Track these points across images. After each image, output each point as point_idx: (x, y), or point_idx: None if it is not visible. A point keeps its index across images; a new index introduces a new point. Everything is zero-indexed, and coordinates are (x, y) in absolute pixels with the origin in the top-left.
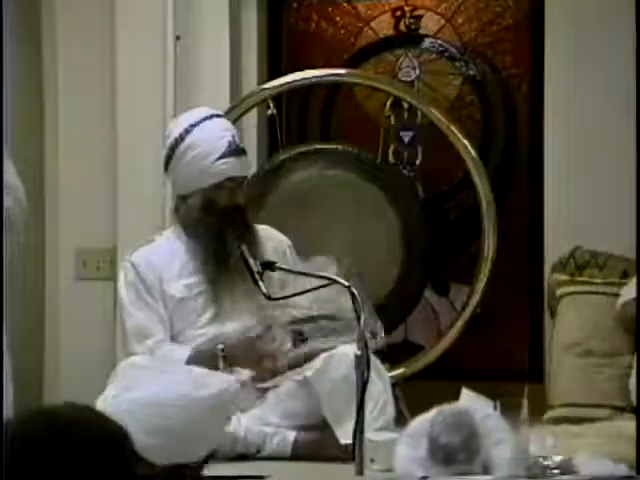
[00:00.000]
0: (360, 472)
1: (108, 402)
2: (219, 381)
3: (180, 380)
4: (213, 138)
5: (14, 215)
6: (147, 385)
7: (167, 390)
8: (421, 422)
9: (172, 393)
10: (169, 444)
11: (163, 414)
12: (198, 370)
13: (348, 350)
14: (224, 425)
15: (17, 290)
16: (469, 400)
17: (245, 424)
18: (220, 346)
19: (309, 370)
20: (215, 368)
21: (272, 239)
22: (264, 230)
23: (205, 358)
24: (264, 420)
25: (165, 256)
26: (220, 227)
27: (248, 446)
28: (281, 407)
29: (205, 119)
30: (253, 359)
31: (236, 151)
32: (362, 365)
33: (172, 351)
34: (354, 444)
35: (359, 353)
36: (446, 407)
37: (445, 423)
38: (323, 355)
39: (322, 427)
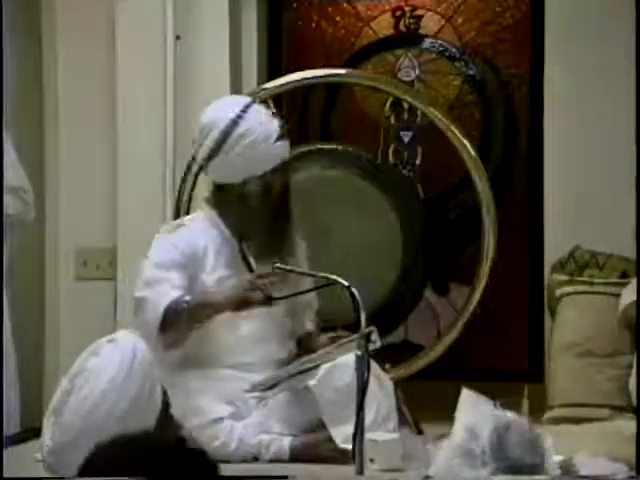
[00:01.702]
0: (360, 472)
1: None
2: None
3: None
4: (267, 122)
5: (23, 217)
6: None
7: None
8: (482, 421)
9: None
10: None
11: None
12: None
13: (351, 360)
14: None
15: (17, 290)
16: (471, 399)
17: (239, 435)
18: (187, 298)
19: (312, 379)
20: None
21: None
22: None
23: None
24: (263, 426)
25: (201, 245)
26: (277, 212)
27: (244, 455)
28: (281, 414)
29: (251, 104)
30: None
31: (285, 135)
32: (362, 365)
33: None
34: (354, 444)
35: (359, 353)
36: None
37: (523, 439)
38: (326, 365)
39: (318, 430)
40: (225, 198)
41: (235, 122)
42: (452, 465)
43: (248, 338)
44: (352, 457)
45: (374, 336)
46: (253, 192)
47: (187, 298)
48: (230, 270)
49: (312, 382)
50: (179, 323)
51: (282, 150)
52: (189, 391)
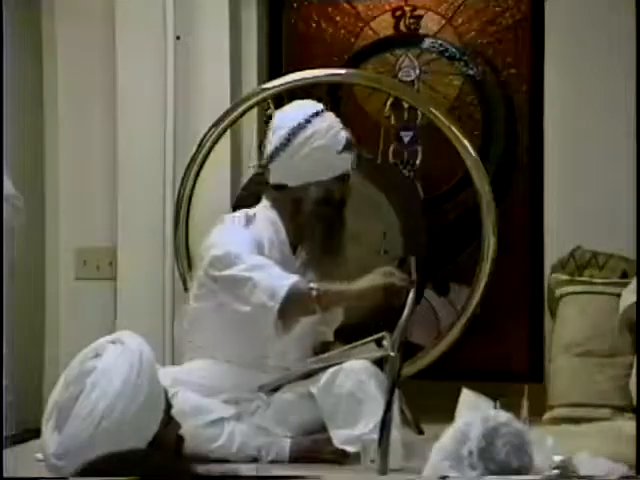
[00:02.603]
0: (384, 472)
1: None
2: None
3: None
4: (335, 131)
5: (11, 224)
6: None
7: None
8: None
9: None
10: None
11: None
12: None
13: (356, 366)
14: None
15: (17, 290)
16: (471, 399)
17: (240, 436)
18: (312, 285)
19: (314, 385)
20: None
21: None
22: None
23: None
24: (264, 428)
25: (266, 244)
26: (333, 220)
27: (244, 457)
28: (282, 416)
29: (321, 112)
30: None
31: (350, 147)
32: (394, 366)
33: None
34: (379, 444)
35: (392, 354)
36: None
37: (511, 442)
38: (331, 370)
39: (318, 432)
40: (283, 200)
41: (303, 125)
42: (440, 468)
43: (290, 341)
44: (356, 458)
45: (386, 342)
46: (312, 198)
47: (312, 285)
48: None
49: (314, 388)
50: (303, 308)
51: (345, 162)
52: (194, 388)
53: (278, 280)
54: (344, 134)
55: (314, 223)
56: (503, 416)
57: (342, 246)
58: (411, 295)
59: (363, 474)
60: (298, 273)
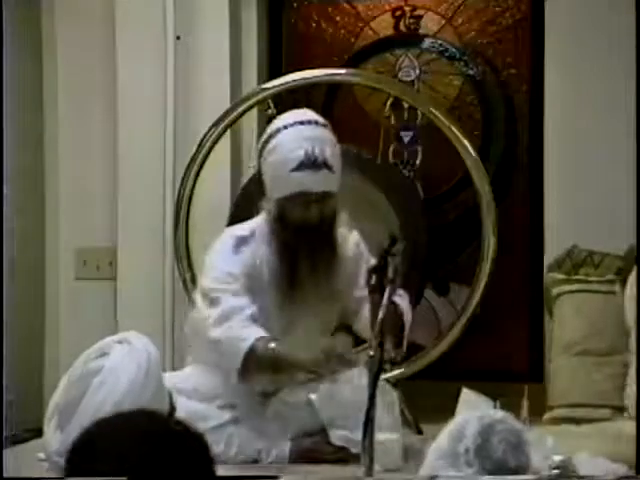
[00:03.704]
0: (369, 474)
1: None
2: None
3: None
4: (291, 147)
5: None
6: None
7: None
8: (467, 421)
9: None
10: None
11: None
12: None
13: (355, 372)
14: None
15: (17, 290)
16: (471, 399)
17: (240, 440)
18: (272, 345)
19: (313, 392)
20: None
21: (349, 247)
22: (340, 237)
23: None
24: (263, 430)
25: (257, 264)
26: (292, 244)
27: (244, 460)
28: (281, 419)
29: (294, 124)
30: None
31: (313, 164)
32: (374, 367)
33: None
34: (363, 445)
35: (372, 353)
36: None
37: (507, 440)
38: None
39: (317, 434)
40: (270, 214)
41: (268, 139)
42: (435, 466)
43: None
44: (357, 458)
45: (387, 345)
46: (272, 214)
47: (272, 345)
48: (261, 295)
49: (313, 395)
50: (261, 370)
51: (300, 181)
52: (190, 395)
53: (239, 341)
54: (304, 151)
55: (275, 246)
56: (499, 414)
57: (326, 276)
58: (386, 295)
59: (364, 474)
60: (284, 301)
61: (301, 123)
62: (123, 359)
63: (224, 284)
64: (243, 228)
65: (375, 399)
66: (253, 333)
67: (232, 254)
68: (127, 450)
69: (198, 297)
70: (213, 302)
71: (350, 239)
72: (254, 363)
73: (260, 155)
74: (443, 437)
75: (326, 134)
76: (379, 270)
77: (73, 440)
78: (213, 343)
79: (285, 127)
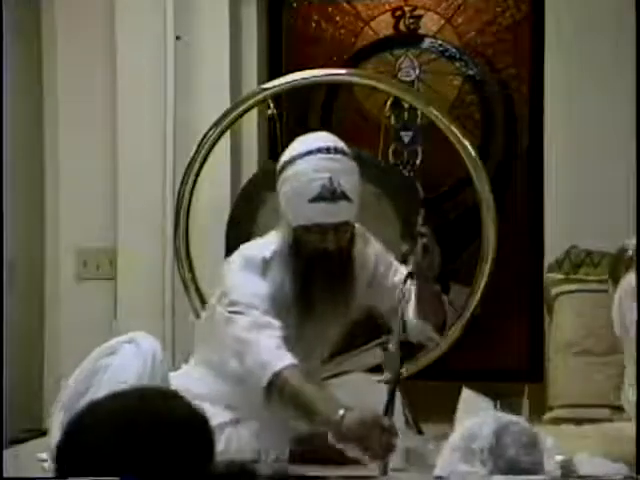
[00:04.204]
0: (385, 472)
1: None
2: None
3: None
4: (311, 177)
5: None
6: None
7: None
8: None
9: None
10: None
11: None
12: None
13: (353, 377)
14: None
15: (17, 290)
16: (471, 399)
17: (239, 441)
18: (341, 412)
19: None
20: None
21: (365, 266)
22: (359, 256)
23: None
24: (263, 431)
25: (279, 290)
26: (305, 271)
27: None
28: (281, 419)
29: (314, 152)
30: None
31: (332, 196)
32: (394, 361)
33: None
34: None
35: (391, 348)
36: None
37: (520, 439)
38: (328, 382)
39: (317, 435)
40: (285, 241)
41: (284, 166)
42: (452, 464)
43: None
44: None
45: (391, 346)
46: (286, 240)
47: (295, 380)
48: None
49: None
50: (283, 399)
51: (316, 213)
52: (192, 394)
53: (272, 355)
54: (321, 183)
55: (289, 272)
56: (513, 417)
57: (345, 302)
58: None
59: (364, 474)
60: (302, 327)
61: (320, 151)
62: (130, 357)
63: (256, 300)
64: (266, 248)
65: (394, 399)
66: (285, 357)
67: (260, 277)
68: (120, 431)
69: (221, 308)
70: (244, 311)
71: (368, 251)
72: (277, 389)
73: (277, 177)
74: (457, 435)
75: (346, 163)
76: (412, 252)
77: (66, 422)
78: (241, 343)
79: (305, 154)
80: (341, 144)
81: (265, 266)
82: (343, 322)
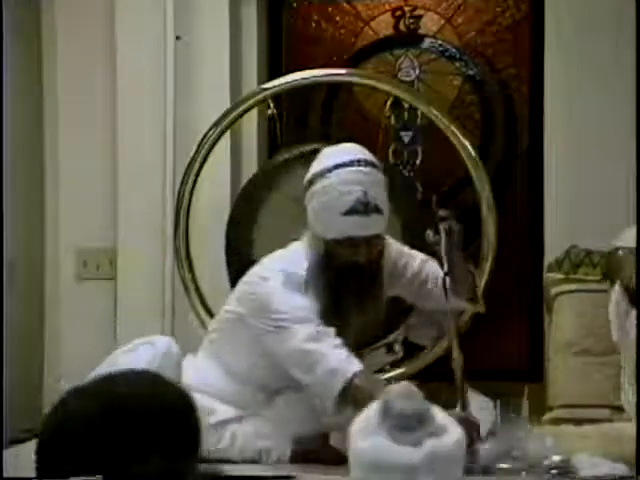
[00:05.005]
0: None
1: None
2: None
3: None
4: (343, 190)
5: None
6: None
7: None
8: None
9: None
10: None
11: None
12: None
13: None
14: None
15: (17, 290)
16: (471, 398)
17: (242, 439)
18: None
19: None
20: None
21: (396, 274)
22: (386, 265)
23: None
24: (265, 430)
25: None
26: (336, 284)
27: (245, 460)
28: (284, 419)
29: (341, 166)
30: None
31: (365, 210)
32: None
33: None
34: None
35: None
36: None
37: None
38: None
39: (319, 435)
40: (317, 254)
41: (315, 178)
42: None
43: None
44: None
45: (397, 347)
46: (317, 252)
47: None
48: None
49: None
50: (357, 404)
51: (350, 226)
52: (195, 390)
53: (344, 362)
54: (356, 196)
55: (319, 283)
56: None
57: (375, 313)
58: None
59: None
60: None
61: (351, 163)
62: (141, 352)
63: (307, 312)
64: (300, 265)
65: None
66: (354, 363)
67: (302, 294)
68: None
69: (261, 322)
70: (295, 324)
71: (392, 255)
72: (350, 395)
73: (307, 188)
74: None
75: (376, 175)
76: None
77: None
78: (304, 354)
79: (336, 166)
80: (370, 156)
81: (305, 284)
82: (369, 331)
